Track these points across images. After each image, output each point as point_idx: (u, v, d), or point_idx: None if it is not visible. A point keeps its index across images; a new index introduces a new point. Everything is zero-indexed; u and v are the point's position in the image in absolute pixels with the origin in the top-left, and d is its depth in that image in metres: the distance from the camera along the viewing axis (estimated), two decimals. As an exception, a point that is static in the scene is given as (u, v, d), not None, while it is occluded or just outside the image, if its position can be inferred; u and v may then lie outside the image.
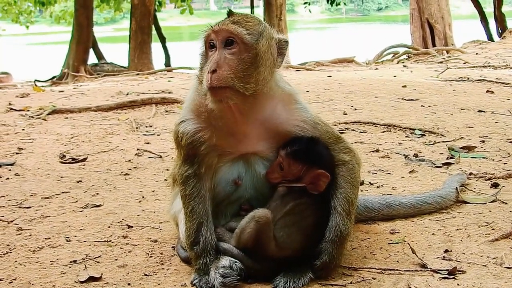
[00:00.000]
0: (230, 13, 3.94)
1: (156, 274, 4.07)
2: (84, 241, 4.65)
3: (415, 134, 8.44)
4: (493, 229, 4.69)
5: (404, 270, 3.98)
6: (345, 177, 4.03)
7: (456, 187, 5.41)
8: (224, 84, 3.73)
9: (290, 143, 3.98)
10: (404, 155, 7.22)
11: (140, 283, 3.93)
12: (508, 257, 4.17)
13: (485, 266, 4.05)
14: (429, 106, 10.50)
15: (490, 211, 5.15)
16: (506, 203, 5.33)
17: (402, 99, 11.16)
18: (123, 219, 5.09)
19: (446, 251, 4.27)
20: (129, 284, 3.93)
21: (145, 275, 4.07)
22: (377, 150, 7.47)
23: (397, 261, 4.16)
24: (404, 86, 12.45)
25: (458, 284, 3.79)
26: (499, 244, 4.42)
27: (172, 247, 4.48)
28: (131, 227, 4.91)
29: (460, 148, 7.50)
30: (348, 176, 4.05)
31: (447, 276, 3.88)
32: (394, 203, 4.99)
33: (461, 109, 10.35)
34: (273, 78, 4.00)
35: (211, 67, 3.75)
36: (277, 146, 4.07)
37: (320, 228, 3.92)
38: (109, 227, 4.95)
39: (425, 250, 4.30)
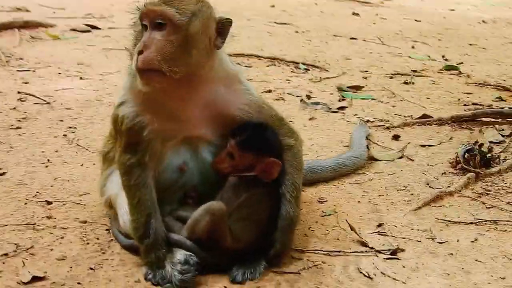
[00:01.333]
0: None
1: (102, 268, 3.92)
2: (6, 225, 4.34)
3: (300, 68, 8.51)
4: (412, 194, 4.94)
5: (350, 252, 4.13)
6: (291, 162, 4.04)
7: (367, 145, 5.58)
8: (150, 67, 3.56)
9: (239, 131, 3.89)
10: (298, 96, 7.29)
11: (90, 281, 3.76)
12: (436, 229, 4.42)
13: (420, 242, 4.28)
14: (303, 32, 10.64)
15: (401, 170, 5.41)
16: (413, 160, 5.60)
17: (275, 22, 11.17)
18: (37, 193, 4.80)
19: (379, 225, 4.44)
20: (79, 283, 3.74)
21: (91, 269, 3.92)
22: (270, 91, 7.48)
23: (338, 239, 4.30)
24: (273, 6, 12.43)
25: (403, 266, 4.01)
26: (423, 213, 4.68)
27: (107, 230, 4.31)
28: (51, 203, 4.66)
29: (348, 87, 7.68)
30: (294, 161, 4.06)
31: (390, 256, 4.03)
32: (317, 168, 5.10)
33: (334, 35, 10.56)
34: (215, 59, 3.85)
35: (138, 48, 3.57)
36: (223, 130, 3.97)
37: (273, 217, 3.91)
38: (25, 203, 4.64)
39: (358, 223, 4.46)
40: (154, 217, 3.83)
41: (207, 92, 3.84)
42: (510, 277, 3.85)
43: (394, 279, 3.82)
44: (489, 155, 5.35)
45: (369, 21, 12.24)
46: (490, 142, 5.94)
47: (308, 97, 7.35)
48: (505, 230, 4.42)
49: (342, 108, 6.99)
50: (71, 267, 3.91)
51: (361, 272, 3.88)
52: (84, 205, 4.66)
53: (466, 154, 5.30)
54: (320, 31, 10.89)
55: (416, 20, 12.93)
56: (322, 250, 4.11)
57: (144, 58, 3.55)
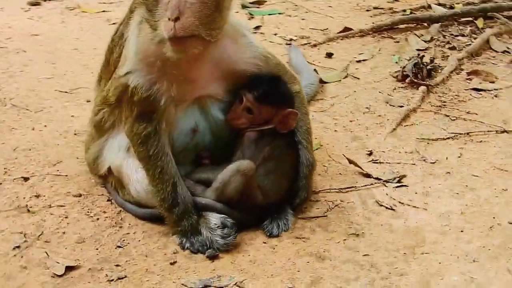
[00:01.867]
0: None
1: (129, 244, 3.80)
2: None
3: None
4: (379, 115, 5.19)
5: (361, 186, 4.26)
6: (301, 109, 4.05)
7: (315, 69, 5.68)
8: (189, 34, 3.33)
9: (254, 85, 3.83)
10: None
11: (126, 261, 3.65)
12: (421, 149, 4.71)
13: (415, 165, 4.55)
14: None
15: (354, 91, 5.61)
16: (358, 78, 5.79)
17: None
18: (6, 169, 4.45)
19: (369, 153, 4.62)
20: (117, 265, 3.62)
21: (119, 247, 3.78)
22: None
23: (340, 174, 4.43)
24: None
25: (415, 192, 4.27)
26: (400, 135, 4.97)
27: (108, 201, 4.13)
28: (28, 179, 4.35)
29: (251, 3, 7.64)
30: (302, 107, 4.08)
31: (398, 185, 4.24)
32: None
33: None
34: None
35: (173, 14, 3.29)
36: (231, 87, 3.87)
37: (295, 166, 3.95)
38: (1, 183, 4.30)
39: (349, 154, 4.57)
40: (180, 184, 3.72)
41: (216, 49, 3.68)
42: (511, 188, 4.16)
43: (414, 206, 4.01)
44: (430, 65, 5.57)
45: None
46: (418, 50, 6.18)
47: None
48: (480, 141, 4.74)
49: (257, 27, 6.91)
50: (97, 249, 3.74)
51: (381, 205, 4.04)
52: (66, 175, 4.40)
53: (413, 68, 5.48)
54: None
55: None
56: (333, 188, 4.22)
57: (182, 25, 3.29)
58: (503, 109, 5.17)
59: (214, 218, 3.70)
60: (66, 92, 5.46)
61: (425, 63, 5.55)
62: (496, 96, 5.43)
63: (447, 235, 3.75)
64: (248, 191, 3.71)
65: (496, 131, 4.85)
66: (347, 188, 4.19)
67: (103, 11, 7.33)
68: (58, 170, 4.42)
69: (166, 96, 3.58)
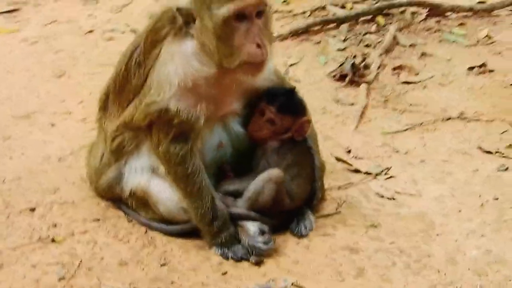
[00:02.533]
0: None
1: (171, 260, 3.96)
2: (17, 247, 4.04)
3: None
4: (337, 115, 5.65)
5: (357, 182, 4.71)
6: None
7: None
8: (267, 57, 3.72)
9: (272, 98, 4.14)
10: (133, 31, 7.26)
11: (178, 277, 3.85)
12: (389, 141, 5.25)
13: (391, 157, 5.06)
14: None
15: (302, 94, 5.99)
16: (299, 81, 6.23)
17: None
18: (6, 202, 4.42)
19: (348, 151, 5.08)
20: (172, 282, 3.82)
21: (163, 265, 3.94)
22: (92, 31, 7.37)
23: (332, 172, 4.82)
24: None
25: (405, 182, 4.75)
26: (363, 130, 5.46)
27: (129, 221, 4.28)
28: (34, 209, 4.37)
29: None
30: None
31: (387, 177, 4.77)
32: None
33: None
34: None
35: (257, 41, 3.63)
36: (248, 102, 4.18)
37: (313, 170, 4.34)
38: (8, 217, 4.31)
39: (328, 151, 4.97)
40: (216, 198, 3.96)
41: None
42: (487, 170, 4.80)
43: (410, 194, 4.54)
44: (363, 64, 6.15)
45: None
46: (338, 50, 6.74)
47: (134, 31, 7.28)
48: (434, 129, 5.36)
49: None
50: (143, 269, 3.88)
51: (382, 197, 4.51)
52: (72, 202, 4.45)
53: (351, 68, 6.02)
54: None
55: None
56: (333, 186, 4.60)
57: (266, 50, 3.64)
58: (437, 99, 5.82)
59: (252, 226, 3.97)
60: (23, 117, 5.36)
61: (359, 62, 6.03)
62: (425, 87, 6.07)
63: (449, 216, 4.28)
64: (278, 197, 4.01)
65: (442, 119, 5.45)
66: (346, 184, 4.60)
67: (15, 30, 7.10)
68: (61, 198, 4.43)
69: (203, 117, 3.78)
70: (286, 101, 4.07)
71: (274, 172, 3.95)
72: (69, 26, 7.34)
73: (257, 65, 3.66)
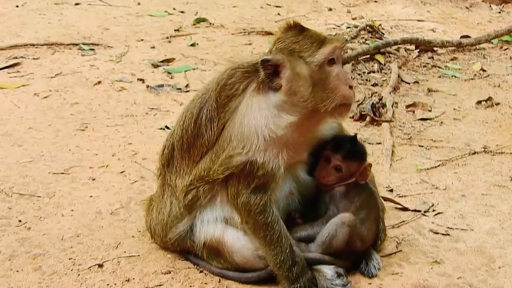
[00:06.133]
0: (301, 28, 3.99)
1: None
2: None
3: (85, 49, 8.39)
4: (371, 153, 5.79)
5: (409, 220, 4.89)
6: (363, 159, 4.62)
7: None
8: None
9: (336, 146, 4.32)
10: (131, 82, 7.39)
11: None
12: (426, 178, 5.44)
13: (432, 193, 5.27)
14: (23, 5, 10.13)
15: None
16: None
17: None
18: (71, 258, 4.42)
19: (390, 190, 5.27)
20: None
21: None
22: (100, 82, 7.41)
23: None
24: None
25: (453, 217, 4.96)
26: (398, 168, 5.60)
27: (200, 272, 4.34)
28: (102, 265, 4.38)
29: (161, 62, 7.98)
30: (363, 157, 4.65)
31: (436, 213, 4.97)
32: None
33: (55, 3, 10.37)
34: None
35: (349, 82, 3.89)
36: (312, 150, 4.34)
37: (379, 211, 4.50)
38: (79, 275, 4.33)
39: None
40: (294, 245, 4.09)
41: None
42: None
43: (462, 229, 4.74)
44: (380, 104, 6.40)
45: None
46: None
47: (141, 79, 7.40)
48: (465, 164, 5.61)
49: (187, 86, 7.26)
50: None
51: (437, 233, 4.69)
52: (138, 255, 4.48)
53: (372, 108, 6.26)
54: (34, 1, 10.48)
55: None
56: (388, 226, 4.76)
57: (354, 92, 3.88)
58: (457, 134, 6.09)
59: (329, 270, 4.09)
60: (62, 173, 5.38)
61: (377, 102, 6.27)
62: (442, 123, 6.33)
63: (505, 248, 4.48)
64: (351, 240, 4.15)
65: (469, 153, 5.71)
66: (399, 223, 4.76)
67: (23, 85, 7.11)
68: (125, 252, 4.45)
69: (283, 165, 3.92)
70: (351, 148, 4.22)
71: (346, 216, 4.09)
72: (76, 78, 7.33)
73: (347, 106, 3.89)
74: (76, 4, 10.41)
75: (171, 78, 7.45)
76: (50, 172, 5.39)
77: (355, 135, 4.32)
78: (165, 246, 4.38)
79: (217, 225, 4.12)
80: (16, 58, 7.87)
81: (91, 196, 5.06)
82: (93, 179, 5.29)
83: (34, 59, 7.93)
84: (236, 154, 3.86)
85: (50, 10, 10.04)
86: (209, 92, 4.09)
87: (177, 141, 4.18)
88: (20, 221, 4.71)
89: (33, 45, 8.34)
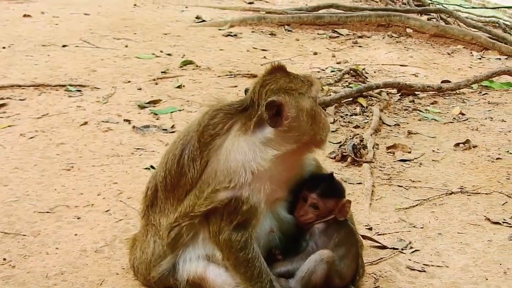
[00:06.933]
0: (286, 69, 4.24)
1: None
2: None
3: (71, 91, 8.54)
4: (349, 193, 5.95)
5: (387, 257, 5.01)
6: (340, 196, 4.77)
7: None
8: None
9: (314, 184, 4.47)
10: (117, 123, 7.51)
11: None
12: (404, 216, 5.58)
13: (410, 231, 5.37)
14: (10, 47, 10.31)
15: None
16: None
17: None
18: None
19: (369, 228, 5.41)
20: None
21: None
22: (86, 123, 7.53)
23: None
24: None
25: (430, 254, 5.06)
26: (377, 207, 5.74)
27: None
28: None
29: (147, 103, 8.14)
30: (340, 194, 4.80)
31: (412, 250, 5.11)
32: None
33: (42, 45, 10.51)
34: None
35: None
36: (292, 187, 4.50)
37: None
38: None
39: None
40: (273, 280, 4.21)
41: None
42: (500, 240, 5.20)
43: (438, 266, 4.86)
44: (361, 145, 6.57)
45: (48, 22, 12.29)
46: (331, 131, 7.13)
47: (128, 120, 7.55)
48: (442, 204, 5.76)
49: (173, 126, 7.41)
50: None
51: (413, 270, 4.81)
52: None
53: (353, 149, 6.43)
54: (16, 40, 10.70)
55: (85, 14, 13.20)
56: (366, 262, 4.89)
57: None
58: (435, 175, 6.26)
59: (306, 306, 4.19)
60: (47, 212, 5.47)
61: (359, 143, 6.45)
62: (421, 164, 6.50)
63: (479, 284, 4.62)
64: (329, 277, 4.28)
65: (446, 193, 5.88)
66: (378, 260, 4.89)
67: (9, 125, 7.24)
68: (126, 290, 4.52)
69: (263, 202, 4.06)
70: (327, 186, 4.36)
71: (325, 253, 4.22)
72: (62, 119, 7.44)
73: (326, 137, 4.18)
74: (64, 46, 10.56)
75: (157, 119, 7.57)
76: (35, 211, 5.45)
77: (331, 173, 4.44)
78: (149, 284, 4.46)
79: (199, 262, 4.23)
80: (2, 99, 7.97)
81: (76, 235, 5.13)
82: (78, 218, 5.36)
83: (20, 100, 8.03)
84: (223, 189, 4.00)
85: (37, 51, 10.19)
86: (191, 133, 4.22)
87: (160, 182, 4.30)
88: (4, 259, 4.75)
89: (19, 86, 8.43)
